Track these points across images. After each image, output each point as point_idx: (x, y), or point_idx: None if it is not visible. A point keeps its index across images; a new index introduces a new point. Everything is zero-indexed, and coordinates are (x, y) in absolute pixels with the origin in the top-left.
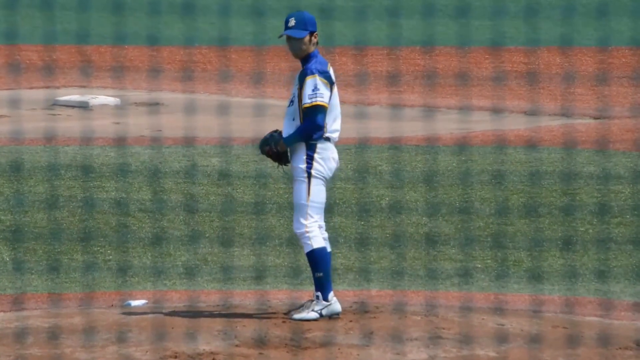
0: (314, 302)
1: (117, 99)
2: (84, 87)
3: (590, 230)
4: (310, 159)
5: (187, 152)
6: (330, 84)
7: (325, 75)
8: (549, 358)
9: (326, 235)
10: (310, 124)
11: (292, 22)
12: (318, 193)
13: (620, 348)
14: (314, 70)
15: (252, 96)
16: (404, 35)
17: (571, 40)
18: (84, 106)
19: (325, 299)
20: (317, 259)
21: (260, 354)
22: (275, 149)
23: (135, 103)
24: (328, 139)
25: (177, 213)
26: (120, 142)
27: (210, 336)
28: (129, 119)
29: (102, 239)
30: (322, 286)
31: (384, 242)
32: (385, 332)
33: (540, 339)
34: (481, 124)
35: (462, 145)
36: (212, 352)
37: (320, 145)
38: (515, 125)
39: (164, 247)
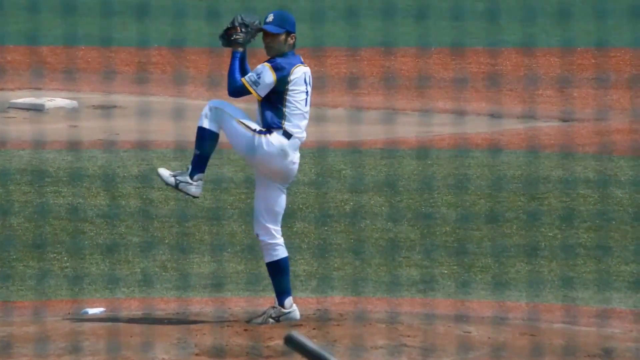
0: (276, 309)
1: (74, 102)
2: (39, 89)
3: (559, 236)
4: (265, 132)
5: (145, 156)
6: (285, 83)
7: (280, 72)
8: None
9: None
10: (233, 81)
11: (270, 18)
12: (271, 198)
13: (588, 356)
14: (272, 62)
15: (210, 98)
16: (365, 37)
17: (535, 42)
18: (39, 109)
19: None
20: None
21: None
22: (240, 29)
23: (93, 106)
24: (288, 135)
25: (136, 219)
26: (76, 145)
27: (169, 345)
28: (85, 122)
29: (58, 246)
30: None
31: (348, 248)
32: (349, 341)
33: (507, 346)
34: (446, 127)
35: (426, 149)
36: None
37: (275, 134)
38: (480, 128)
39: (121, 254)
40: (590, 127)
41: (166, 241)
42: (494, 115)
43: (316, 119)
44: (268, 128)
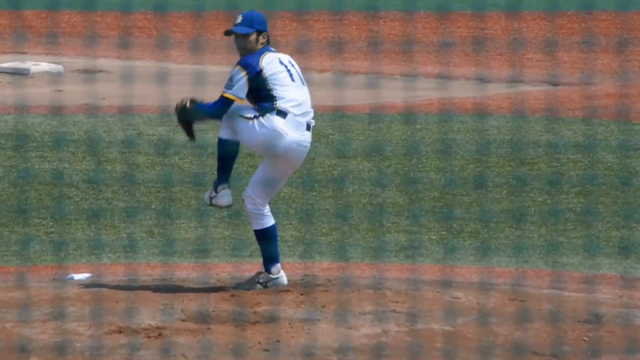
0: (263, 274)
1: (60, 66)
2: (23, 53)
3: (549, 201)
4: (259, 116)
5: (131, 120)
6: (257, 74)
7: (249, 68)
8: (506, 332)
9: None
10: (214, 107)
11: (239, 19)
12: (271, 177)
13: (577, 321)
14: (241, 62)
15: (195, 63)
16: (352, 0)
17: (523, 5)
18: (24, 73)
19: (268, 270)
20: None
21: (208, 328)
22: (185, 116)
23: (78, 70)
24: (283, 114)
25: (122, 184)
26: (61, 110)
27: (155, 311)
28: (71, 86)
29: (43, 211)
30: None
31: (335, 214)
32: (337, 306)
33: (496, 312)
34: (433, 91)
35: (414, 114)
36: (157, 327)
37: (268, 115)
38: (468, 92)
39: (107, 219)
40: (579, 91)
41: (152, 206)
42: (482, 80)
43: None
44: (263, 113)
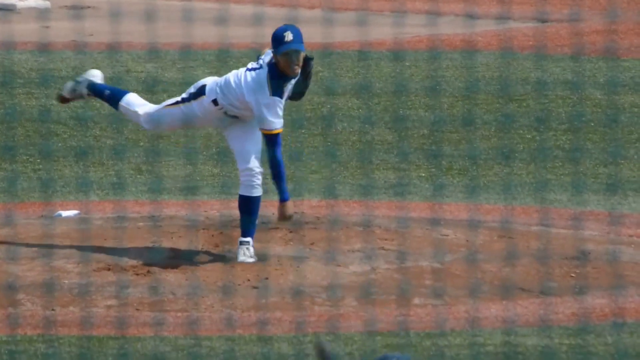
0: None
1: (47, 2)
2: None
3: (537, 138)
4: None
5: (120, 57)
6: None
7: None
8: (494, 269)
9: None
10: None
11: (293, 35)
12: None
13: (565, 258)
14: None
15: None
16: None
17: None
18: (11, 9)
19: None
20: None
21: (197, 266)
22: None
23: (65, 6)
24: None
25: (110, 121)
26: (49, 46)
27: (144, 248)
28: (58, 22)
29: (31, 148)
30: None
31: (324, 151)
32: (326, 244)
33: (484, 249)
34: (422, 28)
35: (403, 51)
36: (146, 265)
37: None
38: (457, 29)
39: (95, 157)
40: (567, 27)
41: (141, 144)
42: (470, 16)
43: (292, 20)
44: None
